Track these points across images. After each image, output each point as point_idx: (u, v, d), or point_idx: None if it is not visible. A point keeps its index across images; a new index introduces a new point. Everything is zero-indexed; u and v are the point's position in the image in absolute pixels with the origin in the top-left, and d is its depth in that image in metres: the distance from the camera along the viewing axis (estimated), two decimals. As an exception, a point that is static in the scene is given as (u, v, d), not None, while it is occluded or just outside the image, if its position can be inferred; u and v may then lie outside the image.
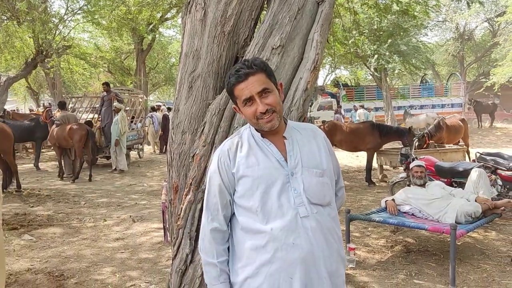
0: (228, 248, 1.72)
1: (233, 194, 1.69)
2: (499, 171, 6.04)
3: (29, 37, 15.33)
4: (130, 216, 6.27)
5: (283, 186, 1.62)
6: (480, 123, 23.05)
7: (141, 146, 13.76)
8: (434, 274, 4.08)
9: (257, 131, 1.70)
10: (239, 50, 2.33)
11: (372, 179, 8.75)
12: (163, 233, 5.09)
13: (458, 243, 4.74)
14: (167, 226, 4.45)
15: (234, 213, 1.70)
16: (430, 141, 9.02)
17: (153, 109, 16.88)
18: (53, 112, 11.88)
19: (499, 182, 5.96)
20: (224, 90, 2.21)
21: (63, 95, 19.70)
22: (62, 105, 10.77)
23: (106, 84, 11.44)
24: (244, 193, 1.65)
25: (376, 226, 5.60)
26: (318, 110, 22.64)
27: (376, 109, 21.79)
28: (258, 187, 1.62)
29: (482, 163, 5.99)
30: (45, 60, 15.59)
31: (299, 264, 1.57)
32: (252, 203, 1.63)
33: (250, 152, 1.67)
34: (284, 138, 1.70)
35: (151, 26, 17.02)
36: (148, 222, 5.97)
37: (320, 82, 31.90)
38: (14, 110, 18.96)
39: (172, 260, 2.16)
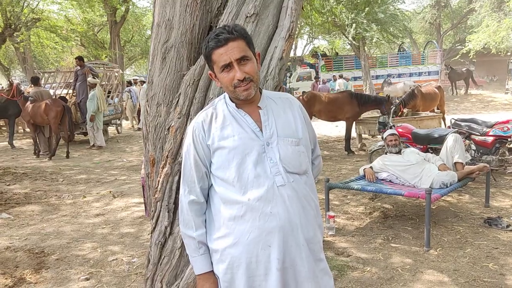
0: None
1: (210, 166, 1.69)
2: (473, 136, 6.20)
3: (-4, 10, 14.68)
4: (110, 192, 6.23)
5: (259, 156, 1.62)
6: (455, 90, 23.41)
7: (119, 122, 13.55)
8: (410, 237, 4.22)
9: (231, 102, 1.69)
10: (212, 19, 2.27)
11: (351, 148, 8.87)
12: (144, 208, 5.08)
13: (433, 207, 4.89)
14: (147, 200, 4.44)
15: (212, 184, 1.70)
16: (405, 109, 9.15)
17: (130, 83, 16.54)
18: (23, 88, 11.51)
19: (473, 147, 6.13)
20: (199, 60, 2.17)
21: (35, 70, 19.12)
22: (35, 81, 10.45)
23: (80, 59, 11.10)
24: (220, 164, 1.65)
25: (355, 194, 5.72)
26: (297, 81, 22.59)
27: (355, 78, 21.86)
28: (233, 158, 1.62)
29: (456, 129, 6.12)
30: (14, 34, 15.02)
31: (277, 232, 1.59)
32: (229, 174, 1.63)
33: (225, 123, 1.66)
34: (259, 108, 1.69)
35: (123, -3, 16.47)
36: (128, 197, 5.94)
37: (298, 52, 31.74)
38: None
39: (151, 233, 2.16)
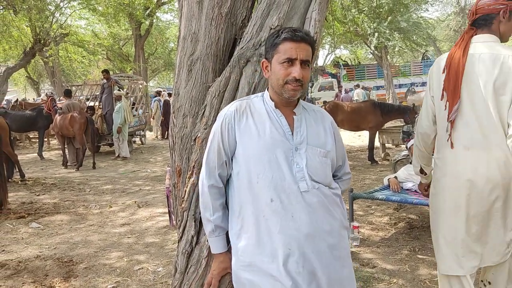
0: (227, 204, 1.78)
1: (232, 158, 1.72)
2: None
3: (26, 26, 15.22)
4: (135, 202, 6.33)
5: (286, 159, 1.64)
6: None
7: (143, 133, 13.79)
8: (438, 249, 4.12)
9: (271, 101, 1.72)
10: (237, 32, 2.31)
11: (374, 158, 8.78)
12: (168, 218, 5.15)
13: (461, 218, 4.77)
14: (172, 210, 4.50)
15: (234, 179, 1.73)
16: None
17: (158, 93, 16.88)
18: (56, 101, 11.91)
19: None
20: (224, 72, 2.20)
21: (63, 84, 19.68)
22: (67, 93, 10.82)
23: (106, 72, 11.41)
24: (245, 162, 1.68)
25: (380, 204, 5.64)
26: (319, 90, 22.57)
27: (377, 87, 21.67)
28: (260, 157, 1.65)
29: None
30: (43, 49, 15.51)
31: (298, 237, 1.60)
32: (253, 172, 1.65)
33: (259, 119, 1.69)
34: (294, 114, 1.72)
35: (148, 11, 16.88)
36: (153, 207, 6.03)
37: (320, 62, 31.70)
38: (24, 100, 18.94)
39: (178, 242, 2.19)
